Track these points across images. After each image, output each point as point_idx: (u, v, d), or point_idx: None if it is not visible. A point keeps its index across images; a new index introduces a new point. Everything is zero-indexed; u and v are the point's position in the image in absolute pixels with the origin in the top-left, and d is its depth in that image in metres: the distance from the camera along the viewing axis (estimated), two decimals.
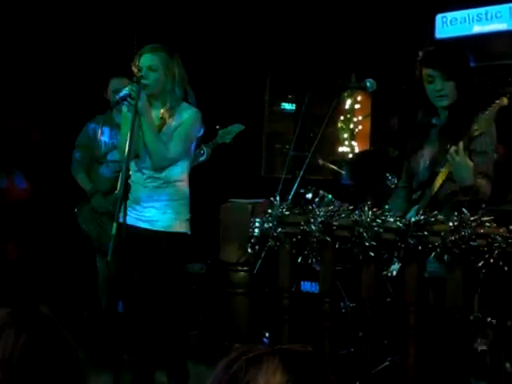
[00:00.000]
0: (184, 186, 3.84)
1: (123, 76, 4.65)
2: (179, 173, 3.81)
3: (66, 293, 5.30)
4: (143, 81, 3.68)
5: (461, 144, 3.02)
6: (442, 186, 3.19)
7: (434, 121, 3.39)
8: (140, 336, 3.80)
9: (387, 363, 3.58)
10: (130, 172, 3.77)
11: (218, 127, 4.66)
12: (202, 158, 4.58)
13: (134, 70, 3.74)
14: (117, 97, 3.68)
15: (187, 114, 3.79)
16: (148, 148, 3.70)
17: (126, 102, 3.62)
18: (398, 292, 3.08)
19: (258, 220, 3.04)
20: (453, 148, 3.04)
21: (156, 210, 3.77)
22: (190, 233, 3.80)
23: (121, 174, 3.49)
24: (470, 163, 3.05)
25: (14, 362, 1.16)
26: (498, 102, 3.01)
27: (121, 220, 3.38)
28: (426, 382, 3.10)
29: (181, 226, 3.79)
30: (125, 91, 3.61)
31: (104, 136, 4.79)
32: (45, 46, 5.63)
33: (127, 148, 3.47)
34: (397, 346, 3.46)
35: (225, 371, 1.09)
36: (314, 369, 1.09)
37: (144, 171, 3.79)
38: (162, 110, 3.79)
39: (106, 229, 4.45)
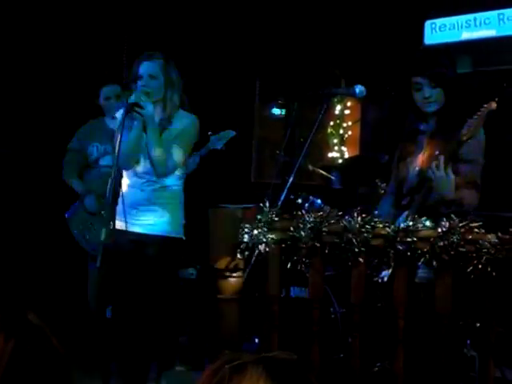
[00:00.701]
0: (180, 191, 3.85)
1: (114, 83, 4.65)
2: (176, 178, 3.82)
3: (55, 298, 5.29)
4: (145, 89, 3.68)
5: (442, 158, 3.04)
6: (431, 191, 3.21)
7: (422, 127, 3.41)
8: (131, 341, 3.79)
9: (377, 368, 3.58)
10: (127, 177, 3.78)
11: (210, 133, 4.66)
12: (193, 167, 4.58)
13: (133, 78, 3.73)
14: (121, 110, 3.65)
15: (188, 121, 3.80)
16: (153, 157, 3.70)
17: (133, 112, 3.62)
18: (388, 297, 3.08)
19: (247, 226, 3.04)
20: (434, 163, 3.07)
21: (153, 215, 3.77)
22: (185, 238, 3.81)
23: (110, 180, 3.49)
24: (452, 177, 3.08)
25: (2, 367, 1.15)
26: (486, 106, 3.03)
27: (111, 226, 3.38)
28: None
29: (177, 232, 3.80)
30: (131, 100, 3.61)
31: (96, 142, 4.79)
32: (36, 51, 5.61)
33: (116, 154, 3.47)
34: (386, 352, 3.47)
35: (209, 379, 1.09)
36: (297, 377, 1.10)
37: (141, 175, 3.78)
38: (161, 117, 3.78)
39: (96, 231, 4.45)
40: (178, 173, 3.82)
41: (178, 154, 3.74)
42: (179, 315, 3.96)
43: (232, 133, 4.65)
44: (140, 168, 3.78)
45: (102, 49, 5.64)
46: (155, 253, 3.75)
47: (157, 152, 3.69)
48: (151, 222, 3.77)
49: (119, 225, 3.79)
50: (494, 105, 3.03)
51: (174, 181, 3.81)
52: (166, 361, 3.83)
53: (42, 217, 5.53)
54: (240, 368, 1.08)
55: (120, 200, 3.80)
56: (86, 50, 5.67)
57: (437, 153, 3.15)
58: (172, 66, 3.80)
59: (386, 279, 3.29)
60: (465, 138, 3.07)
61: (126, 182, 3.85)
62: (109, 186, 3.47)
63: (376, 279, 3.39)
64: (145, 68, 3.75)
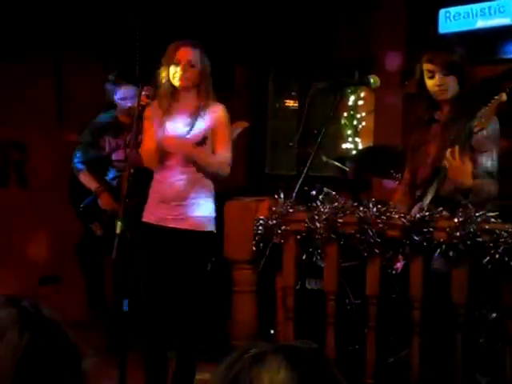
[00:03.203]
0: (210, 183, 3.81)
1: (130, 83, 4.62)
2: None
3: (72, 292, 5.31)
4: (184, 75, 3.65)
5: (457, 146, 3.02)
6: (444, 182, 3.19)
7: (435, 116, 3.39)
8: (156, 334, 3.79)
9: (392, 360, 3.57)
10: (155, 170, 3.75)
11: None
12: None
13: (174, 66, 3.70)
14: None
15: (220, 113, 3.76)
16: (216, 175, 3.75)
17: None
18: (403, 288, 3.07)
19: (262, 217, 3.04)
20: (448, 151, 3.05)
21: (183, 209, 3.74)
22: (215, 231, 3.78)
23: (124, 175, 3.49)
24: (467, 165, 3.05)
25: (17, 361, 1.15)
26: (497, 97, 3.01)
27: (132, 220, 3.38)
28: (432, 378, 3.10)
29: (208, 225, 3.77)
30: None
31: (108, 135, 4.77)
32: (44, 42, 5.62)
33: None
34: (402, 343, 3.46)
35: (228, 370, 1.08)
36: (318, 365, 1.08)
37: (171, 168, 3.75)
38: (195, 103, 3.74)
39: (111, 227, 4.46)
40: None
41: (227, 151, 3.75)
42: (202, 307, 3.95)
43: (245, 124, 4.64)
44: (168, 161, 3.75)
45: (113, 40, 5.63)
46: (188, 247, 3.72)
47: (218, 171, 3.75)
48: (182, 216, 3.74)
49: (149, 218, 3.78)
50: (504, 96, 3.01)
51: (202, 176, 3.78)
52: (185, 351, 3.83)
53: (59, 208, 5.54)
54: (259, 357, 1.07)
55: (150, 193, 3.79)
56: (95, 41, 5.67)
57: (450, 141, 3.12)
58: (207, 56, 3.77)
59: (399, 271, 3.28)
60: (476, 130, 3.05)
61: (155, 175, 3.81)
62: (124, 180, 3.46)
63: (390, 270, 3.38)
64: (184, 54, 3.70)
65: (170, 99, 3.73)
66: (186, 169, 3.72)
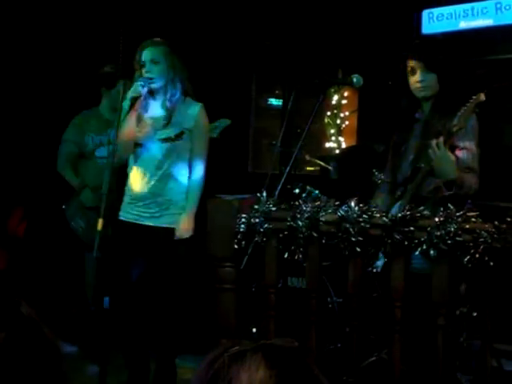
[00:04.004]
0: (186, 180, 3.82)
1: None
2: (181, 166, 3.80)
3: (53, 290, 5.28)
4: (148, 74, 3.69)
5: (441, 138, 3.04)
6: (424, 181, 3.21)
7: (417, 115, 3.42)
8: (135, 331, 3.79)
9: (374, 358, 3.59)
10: (130, 168, 3.77)
11: None
12: None
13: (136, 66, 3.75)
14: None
15: (198, 113, 3.79)
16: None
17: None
18: (385, 287, 3.08)
19: (244, 216, 3.03)
20: (434, 141, 3.07)
21: (158, 206, 3.75)
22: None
23: (106, 172, 3.48)
24: (452, 157, 3.08)
25: None
26: (475, 97, 3.04)
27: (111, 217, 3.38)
28: (413, 376, 3.11)
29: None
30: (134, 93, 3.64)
31: (91, 132, 4.75)
32: (30, 42, 5.58)
33: (111, 146, 3.48)
34: (383, 341, 3.47)
35: (208, 368, 1.08)
36: (297, 363, 1.09)
37: (145, 166, 3.76)
38: (166, 103, 3.77)
39: (93, 224, 4.44)
40: (182, 161, 3.80)
41: (202, 151, 3.80)
42: (182, 306, 3.96)
43: (227, 121, 4.63)
44: (142, 158, 3.77)
45: (99, 41, 5.61)
46: (164, 244, 3.73)
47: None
48: (158, 214, 3.75)
49: (125, 217, 3.79)
50: (482, 97, 3.04)
51: (179, 170, 3.79)
52: (166, 350, 3.82)
53: (39, 208, 5.52)
54: (239, 356, 1.07)
55: (125, 191, 3.80)
56: (83, 43, 5.64)
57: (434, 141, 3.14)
58: (176, 53, 3.80)
59: (379, 269, 3.29)
60: (454, 130, 3.08)
61: (129, 173, 3.83)
62: (105, 177, 3.45)
63: (371, 269, 3.39)
64: (147, 54, 3.74)
65: (146, 98, 3.77)
66: (160, 166, 3.74)
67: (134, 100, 3.68)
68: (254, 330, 4.18)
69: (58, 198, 4.89)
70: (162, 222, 3.75)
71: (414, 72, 3.32)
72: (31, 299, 1.30)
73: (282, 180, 3.33)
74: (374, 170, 4.30)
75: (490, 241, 2.65)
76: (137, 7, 5.74)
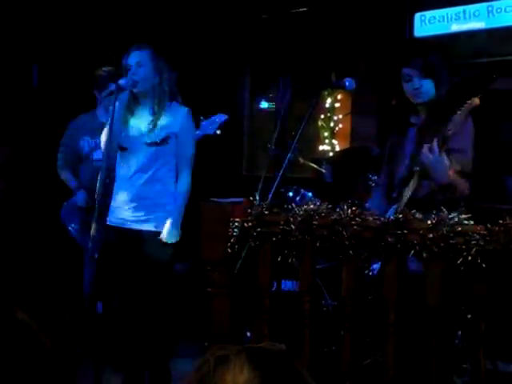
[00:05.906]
0: (172, 184, 3.83)
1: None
2: (167, 170, 3.81)
3: (47, 294, 5.27)
4: (133, 77, 3.70)
5: (435, 142, 3.04)
6: (420, 185, 3.21)
7: (412, 120, 3.41)
8: (127, 336, 3.79)
9: (368, 361, 3.59)
10: (118, 171, 3.78)
11: (201, 118, 4.63)
12: None
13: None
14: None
15: (183, 118, 3.79)
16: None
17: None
18: (379, 290, 3.08)
19: (237, 219, 3.03)
20: (426, 146, 3.07)
21: (145, 210, 3.76)
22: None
23: (99, 175, 3.48)
24: (446, 161, 3.08)
25: None
26: (469, 102, 3.04)
27: (104, 221, 3.38)
28: (407, 379, 3.11)
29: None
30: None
31: (87, 136, 4.78)
32: (30, 42, 5.59)
33: (105, 153, 3.48)
34: (378, 344, 3.47)
35: (195, 372, 1.10)
36: (283, 365, 1.10)
37: (131, 170, 3.77)
38: (151, 105, 3.78)
39: (89, 227, 4.45)
40: (169, 164, 3.81)
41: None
42: (173, 309, 3.96)
43: (224, 117, 4.60)
44: (129, 162, 3.78)
45: (95, 44, 5.62)
46: (150, 248, 3.74)
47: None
48: (144, 217, 3.76)
49: (113, 221, 3.79)
50: (476, 101, 3.04)
51: (165, 173, 3.80)
52: (158, 356, 3.83)
53: (37, 212, 5.52)
54: (224, 359, 1.09)
55: (113, 195, 3.81)
56: (83, 43, 5.65)
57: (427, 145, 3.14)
58: (161, 58, 3.81)
59: (376, 272, 3.29)
60: (449, 134, 3.07)
61: (116, 177, 3.84)
62: (99, 181, 3.46)
63: (367, 272, 3.39)
64: (132, 57, 3.76)
65: (132, 102, 3.78)
66: (145, 170, 3.75)
67: (117, 92, 3.70)
68: (248, 334, 4.17)
69: (55, 201, 4.90)
70: (149, 226, 3.75)
71: (409, 79, 3.30)
72: (25, 302, 1.30)
73: (276, 183, 3.33)
74: (369, 174, 4.31)
75: (482, 243, 2.65)
76: (129, 11, 5.74)
